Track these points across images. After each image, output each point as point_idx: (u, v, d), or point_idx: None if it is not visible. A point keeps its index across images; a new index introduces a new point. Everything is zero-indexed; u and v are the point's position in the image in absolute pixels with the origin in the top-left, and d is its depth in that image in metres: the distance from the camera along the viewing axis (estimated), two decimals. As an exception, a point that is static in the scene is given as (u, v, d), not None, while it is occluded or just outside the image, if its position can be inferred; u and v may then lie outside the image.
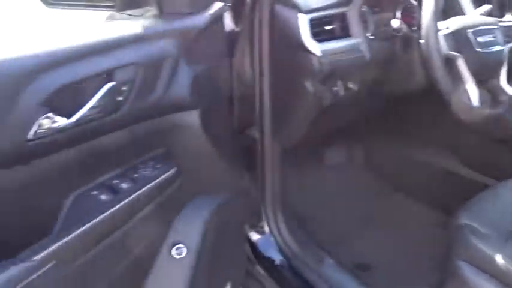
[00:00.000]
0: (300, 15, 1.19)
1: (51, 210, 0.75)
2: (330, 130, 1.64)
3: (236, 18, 1.24)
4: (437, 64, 1.09)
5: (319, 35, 1.20)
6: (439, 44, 1.09)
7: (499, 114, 1.21)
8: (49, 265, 0.65)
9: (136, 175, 0.86)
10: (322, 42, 1.19)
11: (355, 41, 1.24)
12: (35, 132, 0.68)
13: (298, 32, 1.18)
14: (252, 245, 1.42)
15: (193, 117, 0.97)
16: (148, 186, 0.85)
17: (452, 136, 1.60)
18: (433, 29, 1.09)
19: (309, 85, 1.23)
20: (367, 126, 1.80)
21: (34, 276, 0.63)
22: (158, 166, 0.90)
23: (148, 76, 0.86)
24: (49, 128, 0.70)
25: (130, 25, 0.91)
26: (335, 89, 1.25)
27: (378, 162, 1.92)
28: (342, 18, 1.25)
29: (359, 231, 1.61)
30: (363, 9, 1.26)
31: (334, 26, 1.24)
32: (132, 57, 0.83)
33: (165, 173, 0.89)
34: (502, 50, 1.20)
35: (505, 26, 1.25)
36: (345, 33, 1.25)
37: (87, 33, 0.82)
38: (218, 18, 1.04)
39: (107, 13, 1.06)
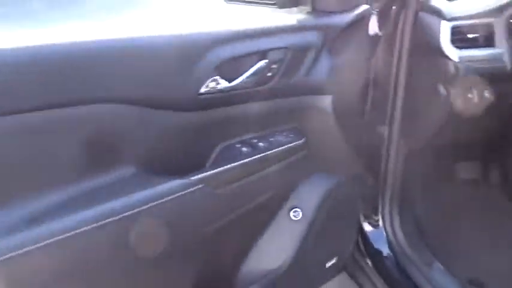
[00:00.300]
0: (443, 22, 1.25)
1: (205, 152, 0.97)
2: (464, 142, 1.63)
3: (381, 23, 1.36)
4: None
5: (459, 42, 1.25)
6: None
7: None
8: (199, 186, 0.87)
9: (271, 139, 1.04)
10: (462, 49, 1.24)
11: (499, 51, 1.26)
12: (205, 89, 0.90)
13: (439, 38, 1.25)
14: (364, 236, 1.51)
15: (326, 102, 1.11)
16: (279, 148, 1.03)
17: None
18: None
19: (442, 89, 1.28)
20: (508, 144, 1.74)
21: (187, 191, 0.85)
22: (291, 135, 1.07)
23: (295, 60, 1.04)
24: (214, 88, 0.92)
25: (286, 18, 1.09)
26: (469, 95, 1.27)
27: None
28: (488, 28, 1.28)
29: (479, 248, 1.57)
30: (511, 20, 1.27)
31: (477, 35, 1.27)
32: (283, 43, 1.01)
33: (295, 142, 1.06)
34: None
35: None
36: (489, 43, 1.27)
37: (251, 21, 1.03)
38: (362, 19, 1.17)
39: (270, 9, 1.28)
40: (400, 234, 1.49)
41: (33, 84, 0.72)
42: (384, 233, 1.50)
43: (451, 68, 1.23)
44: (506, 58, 1.25)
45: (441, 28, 1.25)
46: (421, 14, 1.29)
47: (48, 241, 0.72)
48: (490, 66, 1.24)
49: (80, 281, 0.80)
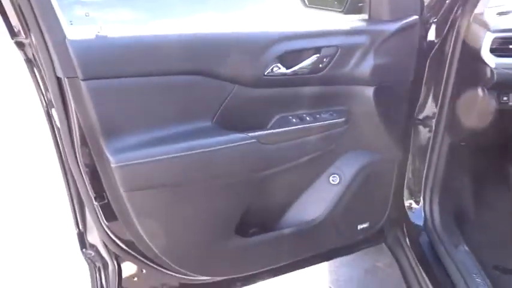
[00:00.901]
0: (488, 33, 1.44)
1: (267, 119, 1.33)
2: None
3: (438, 31, 1.58)
4: None
5: (500, 51, 1.43)
6: None
7: None
8: (253, 140, 1.25)
9: (318, 116, 1.35)
10: (501, 57, 1.42)
11: (536, 62, 1.41)
12: (268, 72, 1.26)
13: (481, 46, 1.44)
14: (405, 214, 1.74)
15: (369, 92, 1.39)
16: (321, 123, 1.34)
17: None
18: None
19: (479, 90, 1.47)
20: None
21: (243, 142, 1.24)
22: (334, 115, 1.37)
23: (344, 56, 1.33)
24: (275, 72, 1.26)
25: (342, 23, 1.39)
26: (504, 98, 1.45)
27: None
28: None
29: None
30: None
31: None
32: (335, 42, 1.32)
33: (336, 119, 1.37)
34: None
35: None
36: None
37: (311, 24, 1.35)
38: (410, 27, 1.42)
39: (337, 14, 1.58)
40: (437, 217, 1.70)
41: (161, 59, 1.14)
42: (423, 213, 1.73)
43: (488, 73, 1.43)
44: (542, 68, 1.41)
45: (485, 38, 1.44)
46: (473, 25, 1.50)
47: (162, 157, 1.16)
48: (527, 74, 1.41)
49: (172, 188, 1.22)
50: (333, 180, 1.45)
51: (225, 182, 1.27)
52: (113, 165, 1.12)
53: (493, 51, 1.44)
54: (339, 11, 1.56)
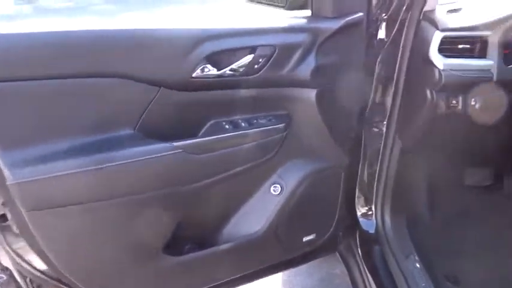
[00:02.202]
0: (436, 32, 1.36)
1: (197, 125, 1.20)
2: (474, 148, 1.70)
3: (388, 29, 1.49)
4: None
5: (449, 51, 1.35)
6: None
7: None
8: (179, 151, 1.11)
9: (255, 121, 1.24)
10: (450, 58, 1.34)
11: (487, 63, 1.34)
12: (196, 74, 1.13)
13: (429, 46, 1.36)
14: (357, 223, 1.66)
15: (311, 94, 1.28)
16: (258, 129, 1.22)
17: None
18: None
19: (428, 93, 1.39)
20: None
21: (168, 153, 1.10)
22: (273, 120, 1.26)
23: (282, 56, 1.22)
24: (205, 73, 1.13)
25: (283, 19, 1.28)
26: (453, 101, 1.37)
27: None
28: (482, 40, 1.36)
29: (465, 249, 1.64)
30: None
31: (470, 46, 1.35)
32: (272, 41, 1.20)
33: (274, 125, 1.25)
34: None
35: None
36: (480, 54, 1.35)
37: (245, 21, 1.23)
38: (355, 25, 1.32)
39: (280, 10, 1.47)
40: (388, 225, 1.62)
41: (68, 59, 1.00)
42: (375, 221, 1.64)
43: (436, 74, 1.34)
44: (494, 70, 1.33)
45: (433, 37, 1.36)
46: (423, 23, 1.41)
47: (71, 171, 1.01)
48: (475, 76, 1.33)
49: (82, 208, 1.08)
50: (274, 191, 1.34)
51: (149, 196, 1.14)
52: (10, 183, 0.97)
53: (442, 51, 1.35)
54: (281, 6, 1.45)
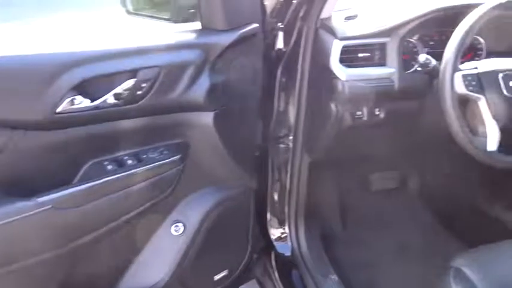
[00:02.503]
0: (335, 41, 1.28)
1: (71, 169, 0.98)
2: (377, 154, 1.67)
3: (285, 39, 1.38)
4: (448, 103, 1.08)
5: (350, 61, 1.28)
6: (453, 83, 1.09)
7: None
8: (47, 207, 0.88)
9: (144, 156, 1.05)
10: (352, 68, 1.27)
11: (388, 71, 1.29)
12: (62, 109, 0.91)
13: (330, 57, 1.27)
14: (272, 246, 1.54)
15: (208, 118, 1.13)
16: (149, 165, 1.04)
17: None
18: (450, 67, 1.09)
19: (333, 106, 1.31)
20: (423, 157, 1.79)
21: (33, 212, 0.86)
22: (165, 152, 1.08)
23: (170, 78, 1.05)
24: (74, 107, 0.93)
25: (168, 35, 1.11)
26: (358, 113, 1.30)
27: (430, 194, 1.89)
28: (382, 47, 1.31)
29: (381, 260, 1.62)
30: (409, 39, 1.31)
31: (369, 54, 1.30)
32: (156, 62, 1.02)
33: (167, 159, 1.08)
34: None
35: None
36: (381, 62, 1.30)
37: (122, 40, 1.04)
38: (251, 37, 1.19)
39: (164, 23, 1.29)
40: (304, 245, 1.53)
41: None
42: (290, 242, 1.54)
43: (339, 86, 1.26)
44: (395, 78, 1.29)
45: (332, 47, 1.27)
46: (321, 32, 1.32)
47: None
48: (377, 85, 1.27)
49: None
50: (175, 230, 1.17)
51: (17, 268, 0.90)
52: None
53: (344, 61, 1.28)
54: (166, 19, 1.28)
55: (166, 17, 1.26)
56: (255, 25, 1.19)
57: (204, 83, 1.10)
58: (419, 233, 1.80)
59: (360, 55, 1.29)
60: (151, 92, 1.02)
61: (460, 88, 1.10)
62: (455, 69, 1.10)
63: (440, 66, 1.12)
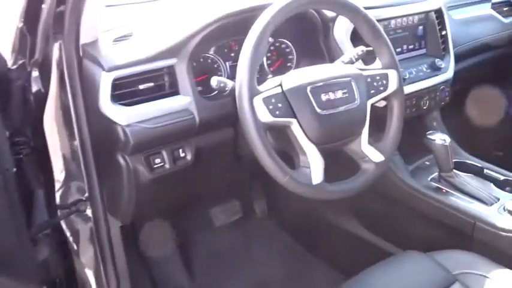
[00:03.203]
0: (103, 74, 0.93)
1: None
2: (199, 193, 1.40)
3: (43, 77, 1.00)
4: (254, 138, 0.83)
5: (130, 96, 0.96)
6: (254, 110, 0.84)
7: (360, 187, 0.97)
8: None
9: None
10: (133, 106, 0.95)
11: (183, 101, 0.99)
12: None
13: (99, 94, 0.93)
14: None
15: None
16: None
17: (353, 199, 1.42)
18: (246, 90, 0.84)
19: (120, 159, 0.98)
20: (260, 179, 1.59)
21: None
22: None
23: None
24: None
25: None
26: (157, 161, 0.99)
27: (280, 215, 1.71)
28: (170, 71, 1.01)
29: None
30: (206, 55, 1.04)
31: (153, 84, 0.98)
32: None
33: None
34: (358, 107, 0.95)
35: (371, 75, 1.01)
36: (172, 91, 1.01)
37: None
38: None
39: None
40: None
41: None
42: None
43: (120, 133, 0.93)
44: (192, 107, 1.00)
45: (101, 82, 0.93)
46: (86, 63, 0.97)
47: None
48: (172, 122, 0.97)
49: None
50: None
51: None
52: None
53: (120, 98, 0.94)
54: None
55: None
56: None
57: None
58: (279, 261, 1.60)
59: (141, 87, 0.97)
60: None
61: (265, 116, 0.85)
62: (253, 92, 0.85)
63: (236, 91, 0.86)
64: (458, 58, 1.46)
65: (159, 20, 1.11)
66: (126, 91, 0.95)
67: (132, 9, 1.22)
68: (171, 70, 1.00)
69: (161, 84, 1.00)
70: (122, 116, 0.93)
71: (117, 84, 0.94)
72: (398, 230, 1.35)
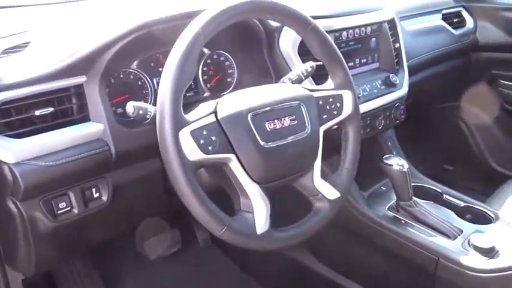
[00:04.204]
0: (-16, 96, 0.72)
1: None
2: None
3: None
4: (181, 182, 0.65)
5: (22, 125, 0.74)
6: (179, 147, 0.66)
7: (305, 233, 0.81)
8: None
9: None
10: (25, 138, 0.74)
11: (94, 128, 0.79)
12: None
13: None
14: None
15: None
16: None
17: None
18: (169, 122, 0.66)
19: (11, 205, 0.76)
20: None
21: None
22: None
23: None
24: None
25: None
26: (61, 205, 0.79)
27: (224, 242, 1.54)
28: (78, 92, 0.80)
29: None
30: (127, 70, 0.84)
31: (53, 109, 0.77)
32: None
33: None
34: (309, 136, 0.80)
35: (323, 97, 0.86)
36: (81, 117, 0.80)
37: None
38: None
39: None
40: None
41: None
42: None
43: (7, 174, 0.72)
44: (107, 137, 0.80)
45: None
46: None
47: None
48: (77, 157, 0.77)
49: None
50: None
51: None
52: None
53: (9, 128, 0.73)
54: None
55: None
56: None
57: None
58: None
59: (38, 113, 0.76)
60: None
61: (194, 153, 0.67)
62: (178, 124, 0.67)
63: (157, 122, 0.68)
64: (410, 71, 1.36)
65: (66, 26, 0.90)
66: (16, 118, 0.74)
67: (32, 12, 0.99)
68: (79, 90, 0.80)
69: (66, 109, 0.79)
70: (9, 152, 0.71)
71: (4, 110, 0.72)
72: (356, 264, 1.22)
